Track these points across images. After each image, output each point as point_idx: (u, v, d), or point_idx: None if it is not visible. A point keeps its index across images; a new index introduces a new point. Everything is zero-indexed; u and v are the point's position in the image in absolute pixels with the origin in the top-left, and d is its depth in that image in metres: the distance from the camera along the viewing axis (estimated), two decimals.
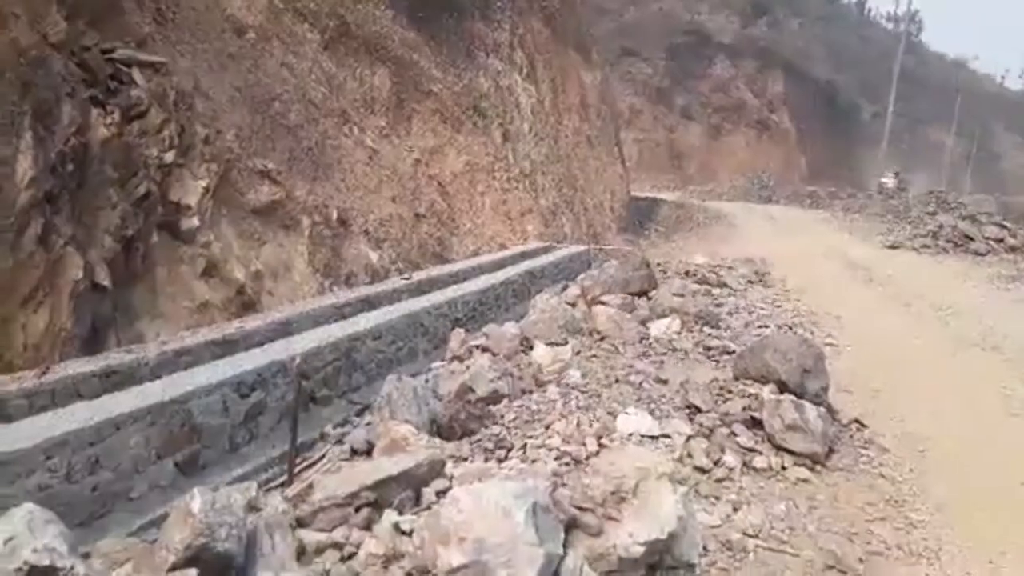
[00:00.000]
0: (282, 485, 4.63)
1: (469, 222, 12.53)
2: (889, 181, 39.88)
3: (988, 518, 4.18)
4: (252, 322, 7.03)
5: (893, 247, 18.26)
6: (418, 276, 9.26)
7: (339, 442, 5.34)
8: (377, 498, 3.28)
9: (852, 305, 10.44)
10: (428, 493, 3.45)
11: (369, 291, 8.48)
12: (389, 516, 3.17)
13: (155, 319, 7.13)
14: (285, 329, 6.91)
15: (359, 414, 6.19)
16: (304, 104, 10.17)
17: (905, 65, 39.28)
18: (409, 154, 11.76)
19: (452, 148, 13.01)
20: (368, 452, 4.46)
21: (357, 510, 3.20)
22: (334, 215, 9.47)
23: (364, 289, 8.67)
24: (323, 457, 5.03)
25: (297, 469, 4.82)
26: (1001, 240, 17.59)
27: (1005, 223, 19.03)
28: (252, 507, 3.00)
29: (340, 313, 7.57)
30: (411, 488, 3.43)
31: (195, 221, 7.80)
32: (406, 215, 10.86)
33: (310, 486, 3.40)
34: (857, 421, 5.27)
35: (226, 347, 6.37)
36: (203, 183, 7.96)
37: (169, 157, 7.65)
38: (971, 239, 17.61)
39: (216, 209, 8.10)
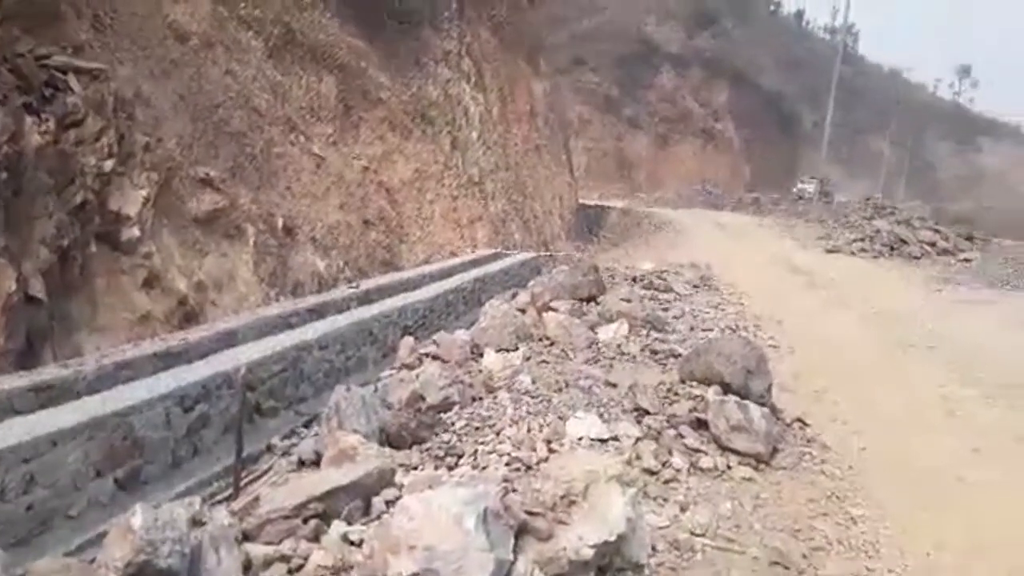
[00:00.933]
0: (227, 499, 4.54)
1: (418, 229, 12.49)
2: (808, 186, 41.05)
3: (925, 513, 4.33)
4: (195, 333, 6.87)
5: (833, 251, 18.82)
6: (367, 284, 9.17)
7: (286, 454, 5.26)
8: (325, 509, 3.24)
9: (794, 308, 10.72)
10: (378, 503, 3.42)
11: (316, 300, 8.37)
12: (338, 527, 3.14)
13: (94, 332, 6.91)
14: (230, 340, 6.78)
15: (307, 425, 6.10)
16: (248, 112, 10.01)
17: (844, 75, 40.63)
18: (357, 161, 11.67)
19: (400, 155, 12.96)
20: (316, 463, 4.40)
21: (305, 522, 3.16)
22: (280, 223, 9.33)
23: (311, 298, 8.56)
24: (270, 469, 4.94)
25: (243, 482, 4.73)
26: (934, 244, 18.31)
27: (938, 227, 19.83)
28: (196, 522, 2.93)
29: (287, 323, 7.45)
30: (360, 498, 3.40)
31: (135, 231, 7.60)
32: (354, 223, 10.76)
33: (256, 499, 3.34)
34: (800, 420, 5.41)
35: (168, 359, 6.22)
36: (143, 192, 7.76)
37: (108, 165, 7.44)
38: (906, 243, 18.29)
39: (157, 218, 7.90)
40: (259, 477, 4.83)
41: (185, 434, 5.48)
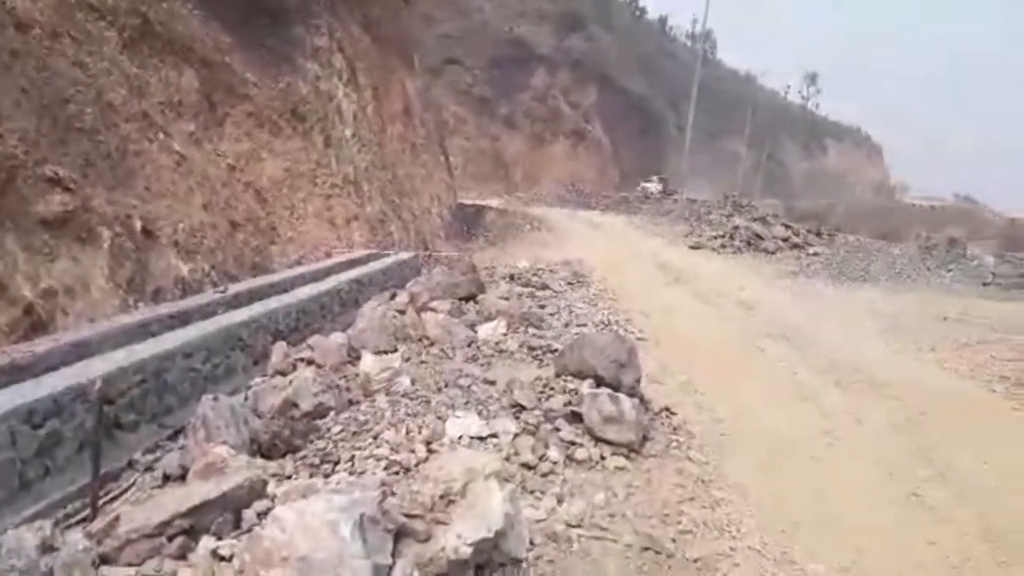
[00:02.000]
0: (84, 520, 4.23)
1: (290, 230, 12.09)
2: (652, 186, 43.31)
3: (781, 492, 4.66)
4: (44, 344, 6.34)
5: (696, 248, 19.83)
6: (235, 288, 8.79)
7: (149, 469, 4.98)
8: (192, 524, 3.11)
9: (661, 302, 11.22)
10: (249, 515, 3.32)
11: (180, 306, 7.93)
12: (206, 542, 3.02)
13: None
14: (83, 351, 6.31)
15: (172, 438, 5.77)
16: (102, 107, 9.33)
17: (703, 80, 42.77)
18: (222, 160, 11.15)
19: (270, 153, 12.49)
20: (182, 477, 4.20)
21: (170, 539, 3.01)
22: (138, 226, 8.76)
23: (174, 304, 8.10)
24: (131, 486, 4.67)
25: (102, 502, 4.43)
26: (787, 239, 19.66)
27: (790, 224, 21.29)
28: (47, 547, 2.73)
29: (147, 331, 7.02)
30: (230, 511, 3.28)
31: None
32: (220, 224, 10.28)
33: (116, 519, 3.15)
34: (667, 409, 5.68)
35: (13, 373, 5.71)
36: None
37: None
38: (762, 239, 19.54)
39: None
40: (120, 495, 4.54)
41: (34, 453, 5.05)
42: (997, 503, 4.74)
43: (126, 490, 4.59)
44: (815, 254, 18.23)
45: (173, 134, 10.25)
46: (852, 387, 7.18)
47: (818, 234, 20.81)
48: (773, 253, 18.77)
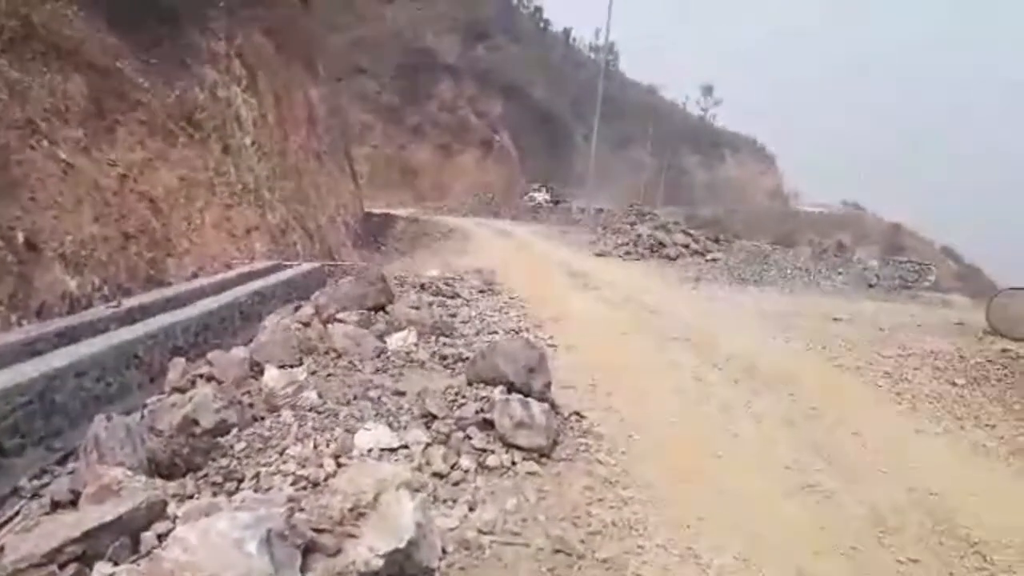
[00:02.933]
0: None
1: (187, 241, 11.61)
2: (539, 195, 44.21)
3: (686, 490, 4.82)
4: None
5: (602, 255, 20.27)
6: (128, 303, 8.36)
7: (36, 495, 4.67)
8: (86, 550, 2.95)
9: (571, 308, 11.41)
10: (148, 537, 3.17)
11: (68, 322, 7.48)
12: (101, 568, 2.87)
13: None
14: None
15: (61, 462, 5.44)
16: None
17: (607, 91, 43.76)
18: (113, 169, 10.60)
19: (164, 162, 11.96)
20: (73, 503, 3.96)
21: (62, 567, 2.85)
22: (20, 238, 8.22)
23: (62, 321, 7.63)
24: (17, 514, 4.37)
25: None
26: (687, 246, 20.38)
27: (690, 231, 22.05)
28: None
29: (32, 349, 6.59)
30: (127, 535, 3.13)
31: None
32: (112, 236, 9.77)
33: (0, 549, 2.95)
34: (577, 413, 5.78)
35: None
36: None
37: None
38: (664, 246, 20.18)
39: None
40: (3, 524, 4.25)
41: None
42: (879, 489, 5.08)
43: (11, 519, 4.29)
44: (714, 260, 18.96)
45: (59, 142, 9.69)
46: (751, 385, 7.51)
47: (717, 240, 21.63)
48: (675, 259, 19.41)
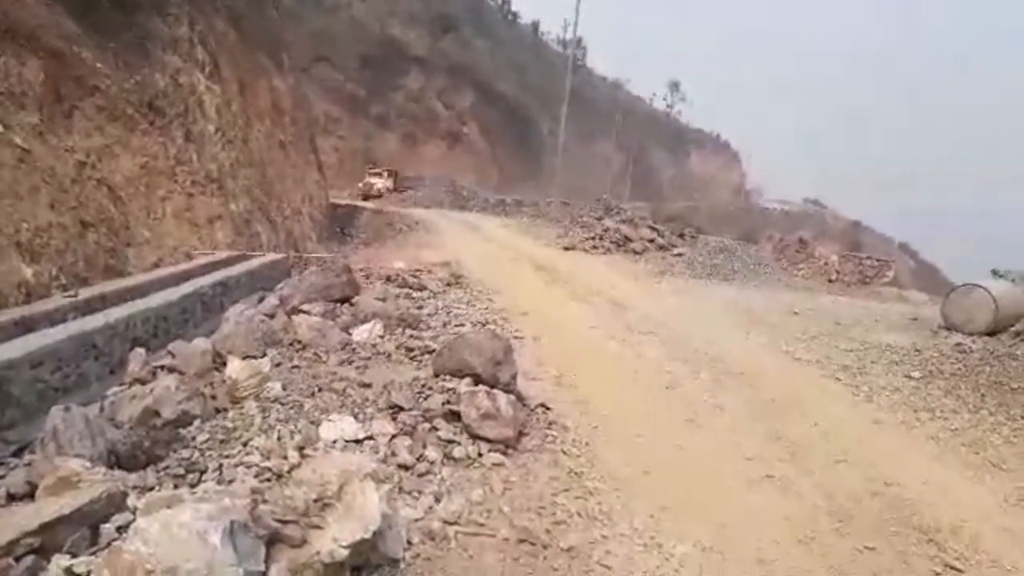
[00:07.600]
0: None
1: (148, 230, 11.37)
2: (378, 181, 41.96)
3: (650, 480, 4.88)
4: None
5: (569, 248, 20.33)
6: (86, 293, 8.17)
7: None
8: (43, 543, 2.89)
9: (537, 301, 11.44)
10: (108, 530, 3.12)
11: (24, 312, 7.28)
12: (59, 561, 2.81)
13: None
14: None
15: (17, 454, 5.30)
16: None
17: (575, 85, 43.77)
18: (71, 155, 10.33)
19: (124, 149, 11.68)
20: (30, 495, 3.87)
21: (18, 560, 2.79)
22: None
23: (17, 310, 7.43)
24: None
25: None
26: (653, 240, 20.53)
27: (656, 226, 22.22)
28: None
29: None
30: (86, 527, 3.07)
31: None
32: (70, 224, 9.52)
33: None
34: (543, 405, 5.81)
35: None
36: None
37: None
38: (630, 240, 20.29)
39: None
40: None
41: None
42: (838, 479, 5.21)
43: None
44: (679, 254, 19.14)
45: (14, 127, 9.41)
46: (714, 377, 7.62)
47: (682, 235, 21.82)
48: (641, 254, 19.54)
